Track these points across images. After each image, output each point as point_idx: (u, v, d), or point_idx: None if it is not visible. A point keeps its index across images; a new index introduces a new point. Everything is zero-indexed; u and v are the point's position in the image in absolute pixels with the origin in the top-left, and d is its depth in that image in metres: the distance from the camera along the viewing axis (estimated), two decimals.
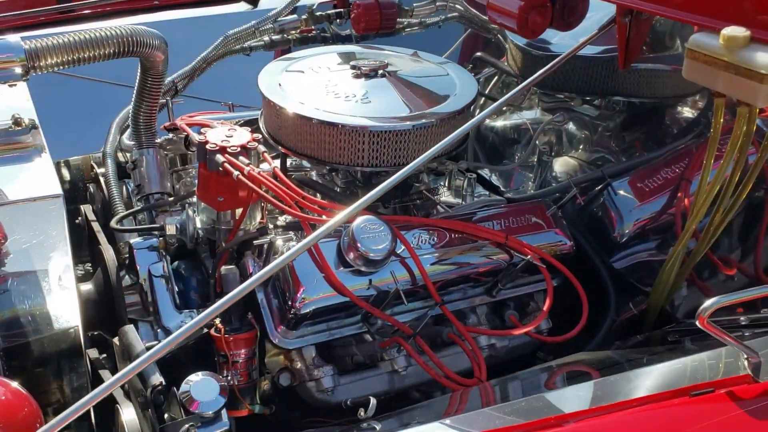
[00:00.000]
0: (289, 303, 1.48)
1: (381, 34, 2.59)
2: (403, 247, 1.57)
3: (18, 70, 1.41)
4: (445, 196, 1.90)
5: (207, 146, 1.56)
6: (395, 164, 1.65)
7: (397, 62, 1.87)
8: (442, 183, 1.89)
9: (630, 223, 1.83)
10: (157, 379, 1.35)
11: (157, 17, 2.57)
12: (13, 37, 1.40)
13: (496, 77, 2.32)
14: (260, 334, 1.54)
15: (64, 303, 1.44)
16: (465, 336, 1.56)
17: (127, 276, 1.71)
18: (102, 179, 1.93)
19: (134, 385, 1.48)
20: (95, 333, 1.71)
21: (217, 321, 1.49)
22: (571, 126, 2.19)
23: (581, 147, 2.18)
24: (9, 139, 1.59)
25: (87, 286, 1.70)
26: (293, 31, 2.64)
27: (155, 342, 1.51)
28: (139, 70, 1.78)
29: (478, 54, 2.31)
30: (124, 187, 1.92)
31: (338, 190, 1.74)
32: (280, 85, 1.74)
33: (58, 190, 1.54)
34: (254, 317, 1.53)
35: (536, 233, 1.73)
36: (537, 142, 2.09)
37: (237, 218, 1.61)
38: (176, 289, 1.62)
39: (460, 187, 1.95)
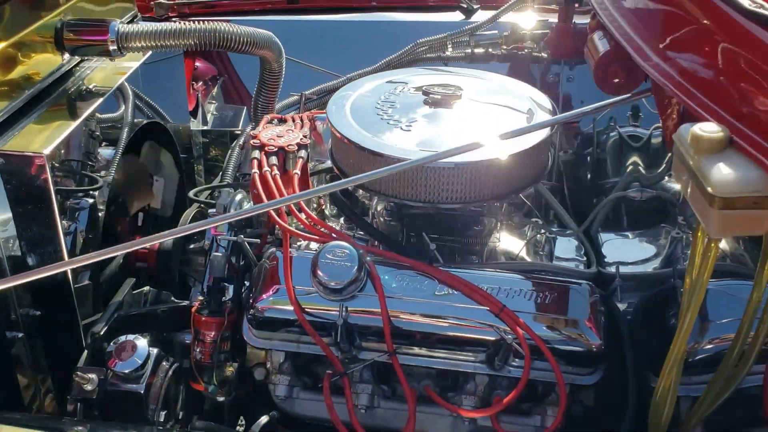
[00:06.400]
0: (251, 302, 1.53)
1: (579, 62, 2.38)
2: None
3: (113, 48, 1.68)
4: (518, 249, 1.72)
5: (252, 141, 1.67)
6: (427, 201, 1.57)
7: (479, 90, 1.75)
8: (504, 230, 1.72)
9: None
10: (98, 327, 1.54)
11: (376, 17, 2.71)
12: (114, 22, 1.68)
13: None
14: None
15: None
16: (407, 396, 1.44)
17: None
18: (231, 150, 2.16)
19: None
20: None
21: (199, 298, 1.62)
22: None
23: None
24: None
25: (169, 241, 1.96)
26: (504, 47, 2.56)
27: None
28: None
29: None
30: None
31: (377, 219, 1.71)
32: (349, 98, 1.75)
33: None
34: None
35: (561, 317, 1.49)
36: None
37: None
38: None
39: (540, 245, 1.76)
